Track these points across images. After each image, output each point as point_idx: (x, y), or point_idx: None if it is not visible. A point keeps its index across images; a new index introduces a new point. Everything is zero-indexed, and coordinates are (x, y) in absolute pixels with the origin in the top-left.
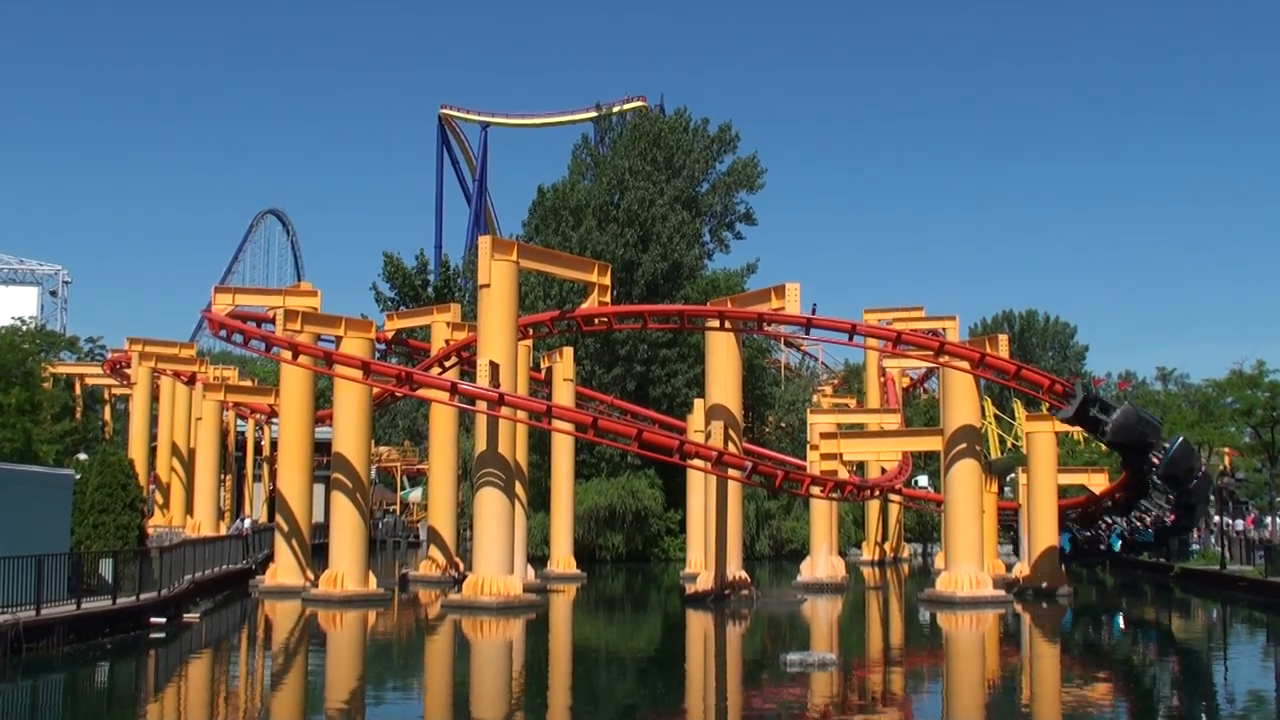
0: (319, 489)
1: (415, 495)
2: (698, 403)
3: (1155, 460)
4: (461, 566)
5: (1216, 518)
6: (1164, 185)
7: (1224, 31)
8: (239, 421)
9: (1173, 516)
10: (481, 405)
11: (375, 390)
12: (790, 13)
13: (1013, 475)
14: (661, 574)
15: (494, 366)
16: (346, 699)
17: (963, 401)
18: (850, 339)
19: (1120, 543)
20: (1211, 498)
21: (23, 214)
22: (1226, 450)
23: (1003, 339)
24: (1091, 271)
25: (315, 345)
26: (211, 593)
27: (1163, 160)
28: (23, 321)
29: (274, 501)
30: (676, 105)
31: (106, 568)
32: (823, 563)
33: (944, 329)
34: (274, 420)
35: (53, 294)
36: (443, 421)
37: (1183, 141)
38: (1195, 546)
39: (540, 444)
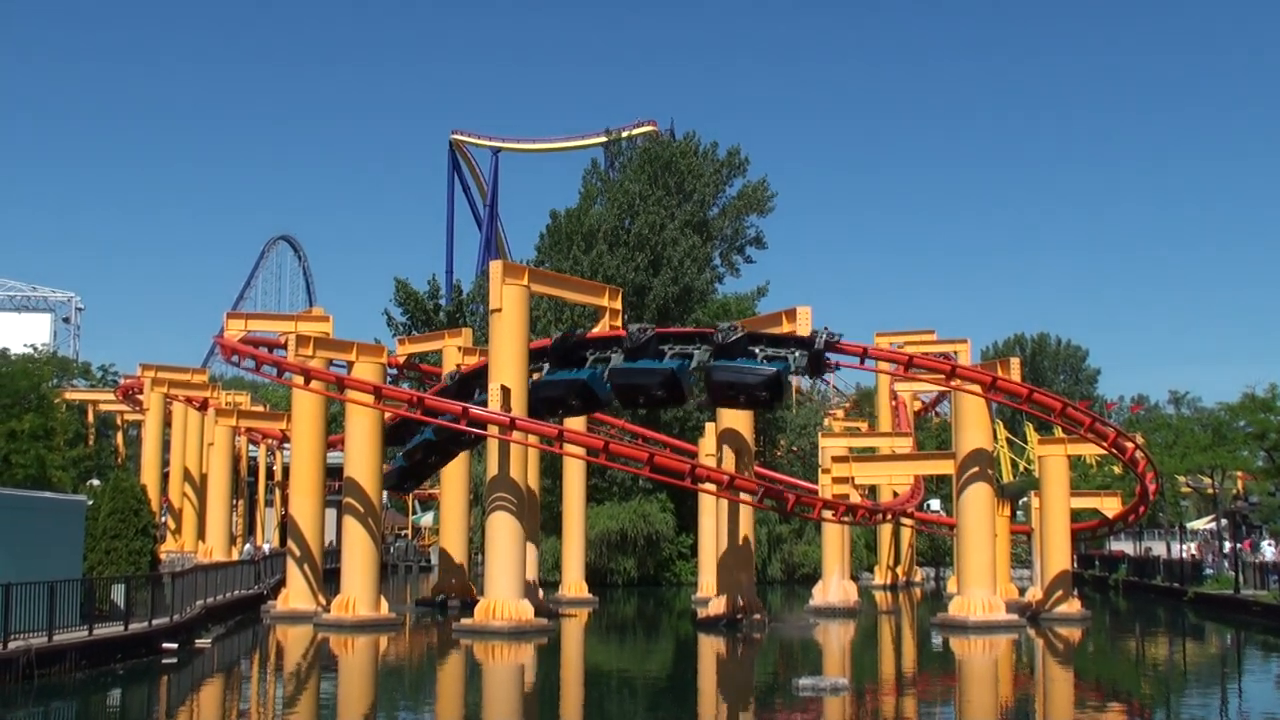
0: (331, 514)
1: (427, 520)
2: (709, 426)
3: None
4: (473, 591)
5: (1229, 543)
6: (1177, 208)
7: (1240, 50)
8: (251, 447)
9: None
10: (493, 430)
11: (387, 415)
12: (799, 35)
13: (1025, 499)
14: (673, 598)
15: (505, 391)
16: None
17: (974, 425)
18: (862, 363)
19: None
20: (1224, 521)
21: (36, 241)
22: (1239, 474)
23: (1014, 362)
24: (1103, 295)
25: (327, 370)
26: (223, 618)
27: (1176, 183)
28: (35, 349)
29: (285, 526)
30: (686, 129)
31: (119, 593)
32: (835, 587)
33: (955, 353)
34: (286, 445)
35: (66, 321)
36: None
37: (1196, 164)
38: (1209, 571)
39: (552, 468)
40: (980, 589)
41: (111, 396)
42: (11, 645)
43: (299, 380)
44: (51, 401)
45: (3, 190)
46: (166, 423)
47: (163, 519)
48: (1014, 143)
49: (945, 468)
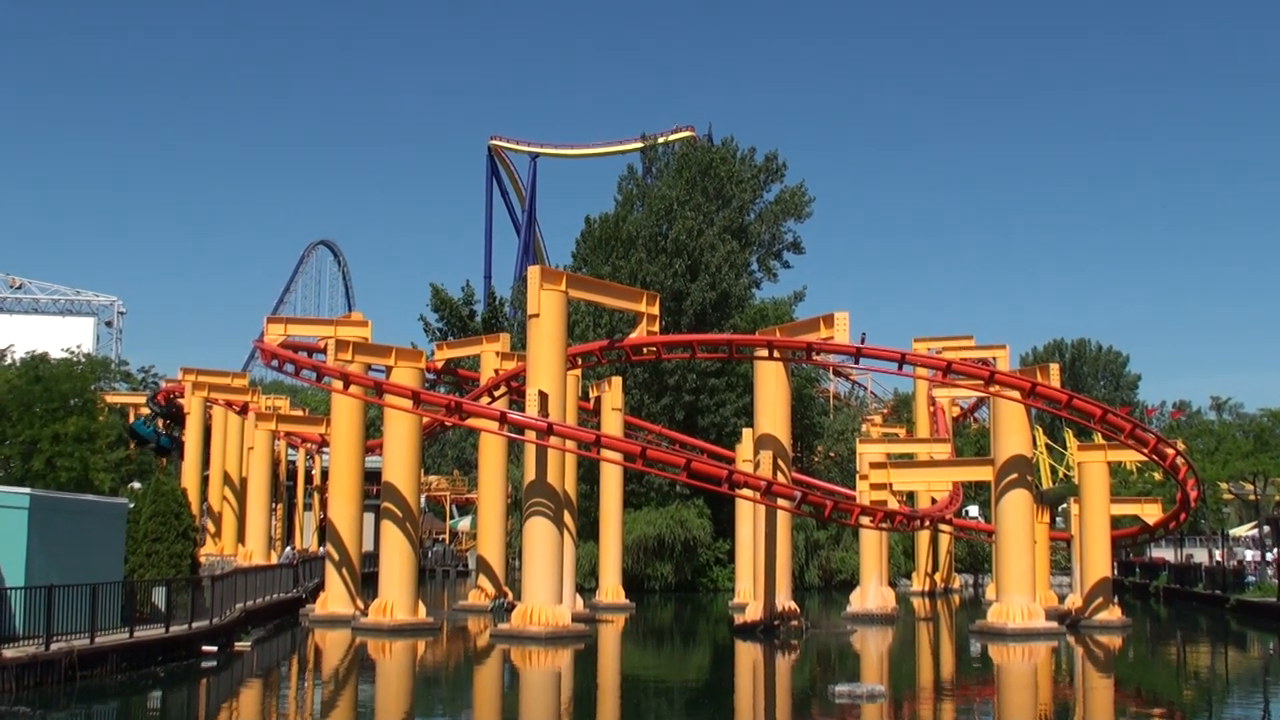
0: (369, 518)
1: (464, 524)
2: (746, 432)
3: None
4: (510, 596)
5: (1274, 551)
6: (1217, 211)
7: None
8: (290, 451)
9: None
10: (531, 435)
11: (425, 420)
12: (837, 40)
13: (1065, 505)
14: (710, 604)
15: (543, 396)
16: None
17: (1014, 431)
18: (900, 368)
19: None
20: (1266, 528)
21: (79, 246)
22: None
23: (1054, 368)
24: (1144, 300)
25: (366, 375)
26: (263, 621)
27: (1216, 186)
28: (72, 353)
29: (324, 530)
30: (724, 134)
31: (159, 596)
32: (872, 593)
33: (994, 358)
34: (325, 449)
35: (108, 325)
36: (492, 451)
37: (1236, 167)
38: (1251, 578)
39: (589, 473)
40: (1019, 596)
41: None
42: (54, 646)
43: (338, 385)
44: (94, 405)
45: (48, 196)
46: (207, 426)
47: (203, 522)
48: (1053, 148)
49: (984, 474)
